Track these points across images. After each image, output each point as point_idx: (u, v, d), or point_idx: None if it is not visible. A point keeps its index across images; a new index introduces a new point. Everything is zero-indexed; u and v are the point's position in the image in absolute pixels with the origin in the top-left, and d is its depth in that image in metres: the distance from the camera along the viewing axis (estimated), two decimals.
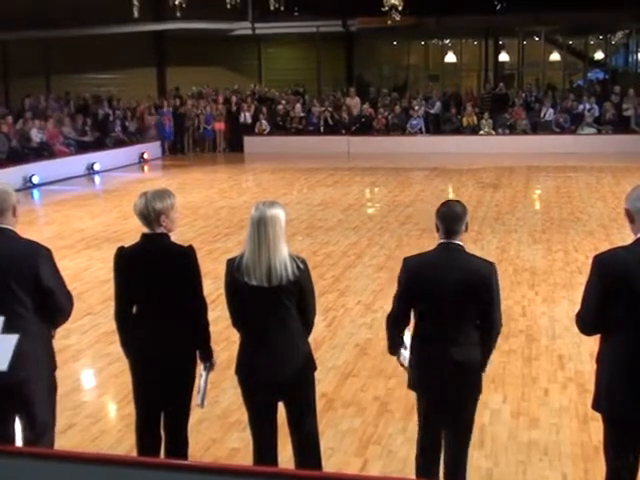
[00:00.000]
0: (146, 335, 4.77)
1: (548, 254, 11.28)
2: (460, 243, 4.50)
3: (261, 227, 4.39)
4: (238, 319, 4.65)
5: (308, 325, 4.67)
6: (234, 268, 4.49)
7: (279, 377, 4.51)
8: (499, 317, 4.54)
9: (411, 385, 4.70)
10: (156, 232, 4.74)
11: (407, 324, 4.68)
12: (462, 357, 4.44)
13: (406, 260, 4.59)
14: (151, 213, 4.69)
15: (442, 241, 4.50)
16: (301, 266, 4.48)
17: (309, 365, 4.65)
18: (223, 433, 5.99)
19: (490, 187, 17.59)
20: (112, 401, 6.66)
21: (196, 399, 4.90)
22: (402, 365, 4.81)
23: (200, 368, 4.93)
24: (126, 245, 4.88)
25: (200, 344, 4.88)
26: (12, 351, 4.04)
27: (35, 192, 18.53)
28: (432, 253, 4.57)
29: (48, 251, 4.57)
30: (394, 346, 4.77)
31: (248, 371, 4.59)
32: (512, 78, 30.53)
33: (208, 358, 4.93)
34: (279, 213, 4.44)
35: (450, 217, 4.48)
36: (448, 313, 4.44)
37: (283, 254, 4.42)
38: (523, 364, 7.25)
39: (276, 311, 4.49)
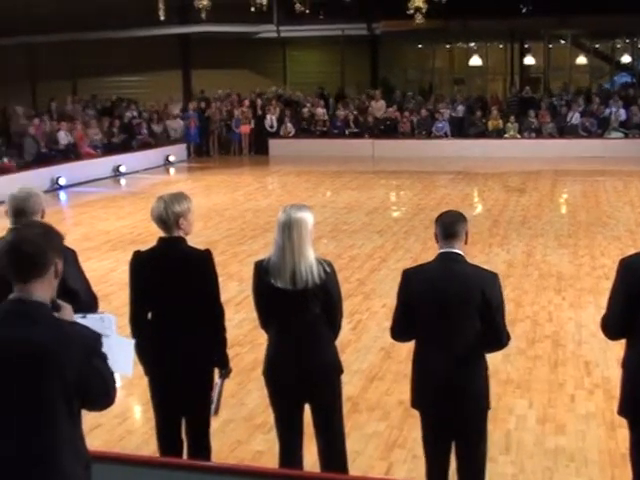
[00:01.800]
0: (162, 341, 4.72)
1: (575, 259, 11.21)
2: (460, 252, 4.34)
3: (286, 230, 4.39)
4: (265, 321, 4.66)
5: (335, 328, 4.67)
6: (261, 270, 4.50)
7: (305, 379, 4.51)
8: (505, 330, 4.38)
9: (413, 404, 4.57)
10: (173, 236, 4.72)
11: (411, 337, 4.52)
12: (465, 373, 4.30)
13: (405, 272, 4.47)
14: (170, 216, 4.66)
15: (441, 251, 4.35)
16: (327, 269, 4.47)
17: (336, 368, 4.64)
18: (248, 435, 6.00)
19: (516, 191, 17.51)
20: (138, 402, 6.69)
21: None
22: None
23: (215, 376, 4.88)
24: (142, 249, 4.85)
25: (216, 350, 4.81)
26: (133, 355, 4.01)
27: (62, 194, 18.68)
28: (431, 264, 4.43)
29: (73, 252, 4.56)
30: None
31: (275, 373, 4.59)
32: (538, 81, 30.37)
33: (224, 365, 4.86)
34: (306, 217, 4.43)
35: (447, 218, 4.38)
36: (449, 327, 4.28)
37: (309, 258, 4.42)
38: (549, 370, 7.20)
39: (302, 314, 4.49)
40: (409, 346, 7.58)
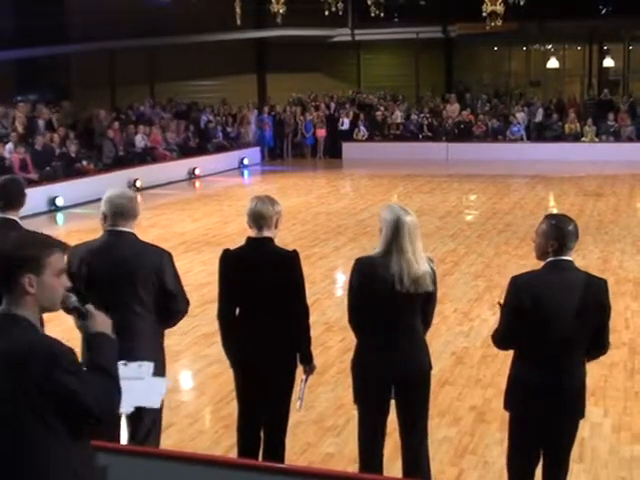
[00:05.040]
0: (248, 336, 4.83)
1: None
2: (570, 259, 4.25)
3: (406, 234, 4.38)
4: (360, 318, 4.64)
5: (427, 325, 4.72)
6: (364, 268, 4.51)
7: (400, 375, 4.53)
8: (608, 337, 4.31)
9: (506, 406, 4.47)
10: (263, 236, 4.82)
11: (516, 345, 4.40)
12: (568, 379, 4.22)
13: (515, 279, 4.31)
14: (272, 215, 4.81)
15: (551, 259, 4.22)
16: (434, 268, 4.51)
17: (428, 364, 4.66)
18: (318, 438, 6.00)
19: (592, 196, 17.19)
20: (210, 402, 6.76)
21: (295, 402, 4.95)
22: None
23: (301, 372, 4.98)
24: (232, 247, 4.97)
25: (301, 347, 4.93)
26: (164, 392, 4.17)
27: (138, 196, 18.99)
28: (542, 271, 4.29)
29: (170, 255, 4.76)
30: None
31: (370, 369, 4.57)
32: (617, 84, 29.77)
33: (308, 361, 4.97)
34: (415, 219, 4.45)
35: (567, 232, 4.20)
36: (559, 335, 4.16)
37: (423, 262, 4.43)
38: (625, 377, 7.05)
39: (403, 312, 4.51)
40: (481, 352, 7.53)
